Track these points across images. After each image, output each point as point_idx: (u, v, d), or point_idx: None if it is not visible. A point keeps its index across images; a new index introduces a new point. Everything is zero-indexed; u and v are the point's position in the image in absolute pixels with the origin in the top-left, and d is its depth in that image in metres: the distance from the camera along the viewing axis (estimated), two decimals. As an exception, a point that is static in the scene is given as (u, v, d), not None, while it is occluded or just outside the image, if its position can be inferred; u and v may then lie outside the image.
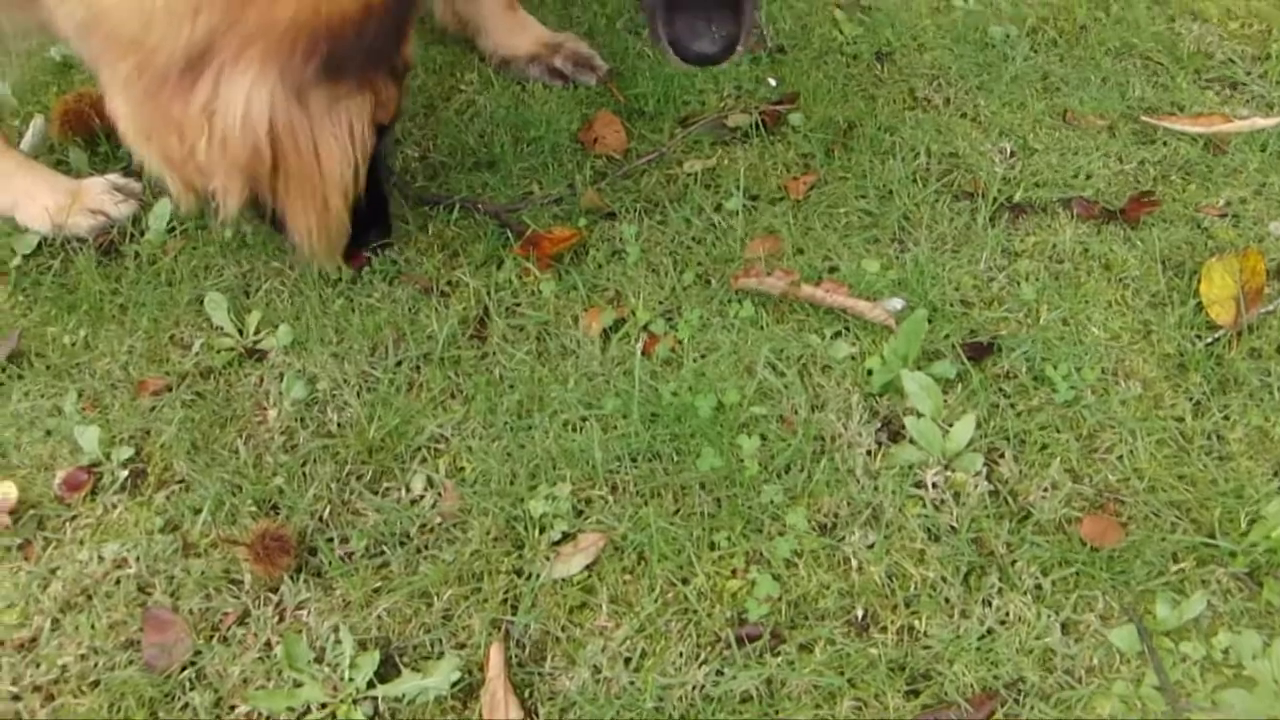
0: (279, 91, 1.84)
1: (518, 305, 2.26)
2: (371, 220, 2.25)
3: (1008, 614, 1.79)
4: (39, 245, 2.43)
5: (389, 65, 2.01)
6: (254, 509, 1.96)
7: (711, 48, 2.07)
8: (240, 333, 2.23)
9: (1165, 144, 2.60)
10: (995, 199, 2.43)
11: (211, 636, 1.83)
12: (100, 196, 2.47)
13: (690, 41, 2.07)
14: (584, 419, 2.04)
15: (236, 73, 1.83)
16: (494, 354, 2.17)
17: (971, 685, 1.72)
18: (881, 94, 2.76)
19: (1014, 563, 1.85)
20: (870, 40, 2.93)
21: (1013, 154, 2.59)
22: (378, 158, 2.19)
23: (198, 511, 1.96)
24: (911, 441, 1.98)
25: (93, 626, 1.84)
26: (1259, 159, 2.55)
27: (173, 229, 2.45)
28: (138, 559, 1.91)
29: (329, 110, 1.91)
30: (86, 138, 2.63)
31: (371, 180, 2.16)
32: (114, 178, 2.52)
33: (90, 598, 1.87)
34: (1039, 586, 1.82)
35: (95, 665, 1.80)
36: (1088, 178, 2.52)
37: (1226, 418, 2.04)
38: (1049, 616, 1.79)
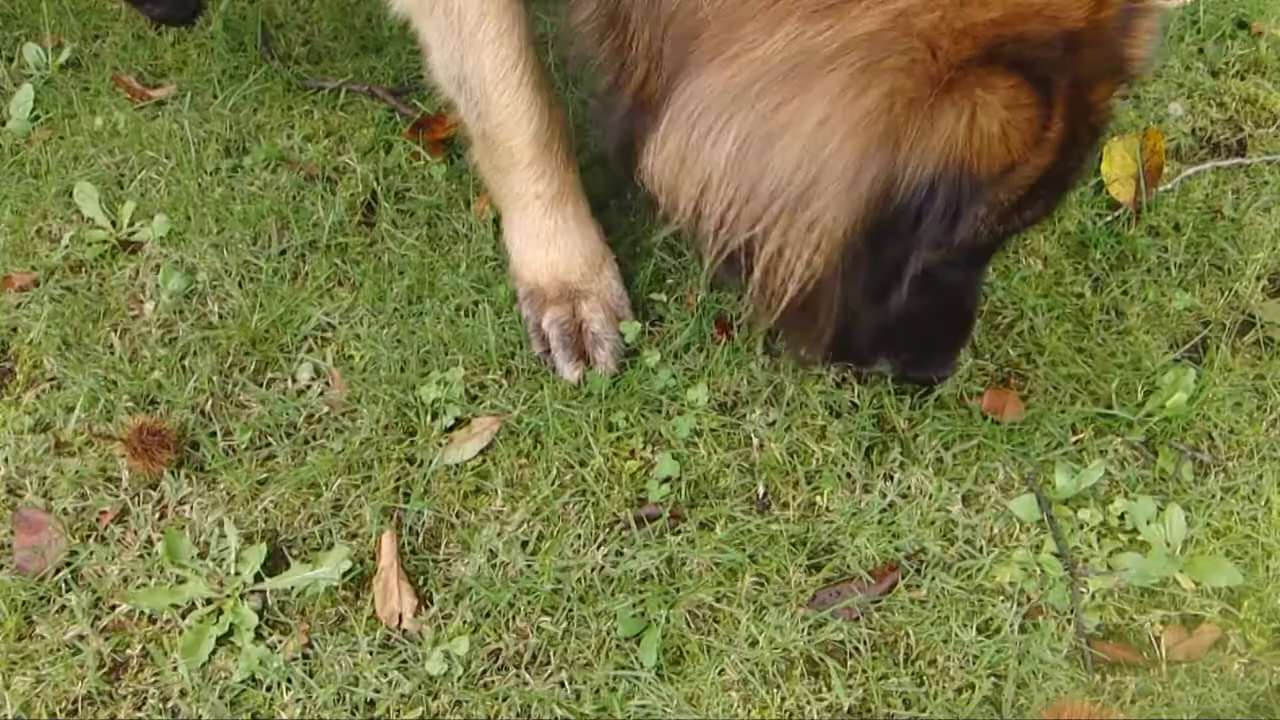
0: None
1: (408, 190, 2.16)
2: None
3: (909, 487, 1.78)
4: (-111, 137, 2.28)
5: None
6: (131, 405, 1.87)
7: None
8: (113, 224, 2.11)
9: (1068, 25, 2.56)
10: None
11: (88, 536, 1.75)
12: (-45, 85, 2.31)
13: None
14: (476, 303, 1.96)
15: None
16: (383, 240, 2.08)
17: (873, 558, 1.71)
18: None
19: (915, 437, 1.83)
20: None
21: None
22: None
23: (70, 409, 1.86)
24: (813, 320, 1.94)
25: (-42, 530, 1.75)
26: (1160, 41, 2.53)
27: (37, 118, 2.31)
28: (6, 460, 1.82)
29: None
30: (-61, 23, 2.46)
31: None
32: (-30, 65, 2.36)
33: (-45, 500, 1.78)
34: (940, 460, 1.81)
35: (-38, 570, 1.72)
36: (991, 59, 2.47)
37: (1125, 293, 2.03)
38: (950, 489, 1.78)
